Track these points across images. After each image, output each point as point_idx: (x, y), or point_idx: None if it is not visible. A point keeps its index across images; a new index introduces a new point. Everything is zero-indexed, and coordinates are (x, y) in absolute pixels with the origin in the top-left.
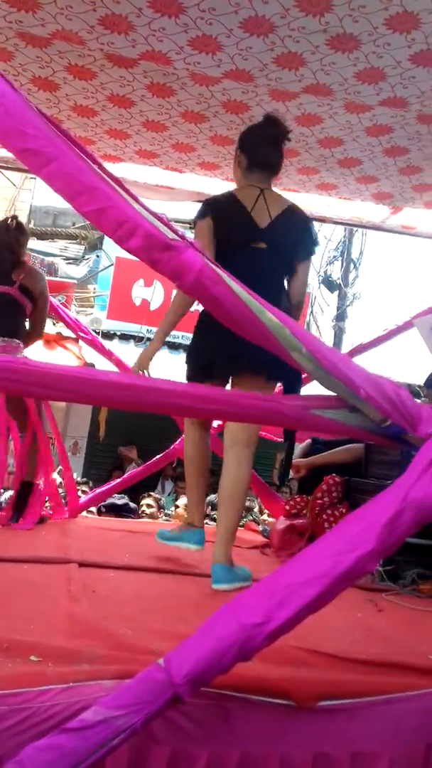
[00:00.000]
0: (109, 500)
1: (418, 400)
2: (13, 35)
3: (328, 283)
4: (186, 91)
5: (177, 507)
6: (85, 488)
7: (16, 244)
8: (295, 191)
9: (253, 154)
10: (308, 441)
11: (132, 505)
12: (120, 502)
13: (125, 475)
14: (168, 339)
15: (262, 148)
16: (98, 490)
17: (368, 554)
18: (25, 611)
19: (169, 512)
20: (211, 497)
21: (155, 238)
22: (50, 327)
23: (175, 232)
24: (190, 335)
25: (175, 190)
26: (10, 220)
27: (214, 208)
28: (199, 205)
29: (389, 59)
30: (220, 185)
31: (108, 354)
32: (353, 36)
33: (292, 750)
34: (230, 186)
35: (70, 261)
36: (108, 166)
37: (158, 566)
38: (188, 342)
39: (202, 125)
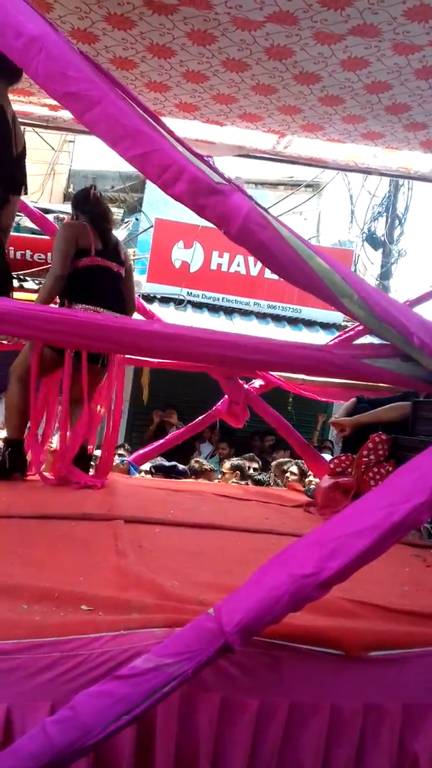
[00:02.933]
0: (159, 461)
1: None
2: None
3: (372, 240)
4: (227, 38)
5: (224, 473)
6: (122, 451)
7: (109, 212)
8: (339, 142)
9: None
10: (353, 399)
11: (181, 466)
12: (168, 463)
13: (165, 438)
14: (208, 301)
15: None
16: (138, 453)
17: (422, 505)
18: (73, 564)
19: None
20: (236, 461)
21: (201, 182)
22: None
23: (221, 175)
24: (233, 297)
25: (216, 145)
26: (92, 189)
27: None
28: (240, 159)
29: None
30: (262, 138)
31: (150, 316)
32: None
33: (343, 700)
34: (272, 139)
35: None
36: None
37: (202, 522)
38: (231, 305)
39: (244, 74)
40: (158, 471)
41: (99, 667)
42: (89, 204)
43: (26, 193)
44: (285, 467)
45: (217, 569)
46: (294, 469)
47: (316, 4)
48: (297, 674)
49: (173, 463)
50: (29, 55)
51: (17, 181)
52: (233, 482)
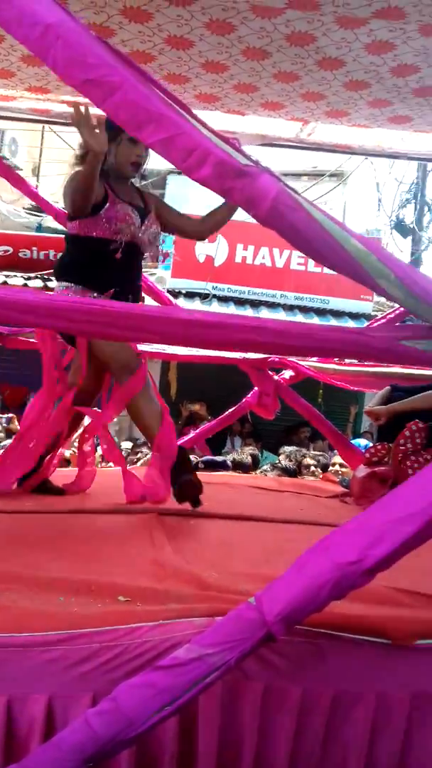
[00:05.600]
0: (207, 457)
1: None
2: None
3: (401, 228)
4: (247, 26)
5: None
6: (145, 449)
7: None
8: (365, 126)
9: None
10: (388, 388)
11: (227, 461)
12: (219, 459)
13: (196, 431)
14: (234, 295)
15: None
16: None
17: None
18: (109, 557)
19: None
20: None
21: (227, 164)
22: None
23: (247, 157)
24: (259, 290)
25: (238, 134)
26: None
27: None
28: (262, 149)
29: None
30: (285, 125)
31: None
32: None
33: (389, 689)
34: (296, 127)
35: None
36: None
37: (237, 513)
38: (257, 297)
39: (265, 62)
40: (208, 466)
41: (139, 657)
42: None
43: None
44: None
45: (255, 560)
46: (308, 460)
47: None
48: (341, 663)
49: (223, 459)
50: (46, 43)
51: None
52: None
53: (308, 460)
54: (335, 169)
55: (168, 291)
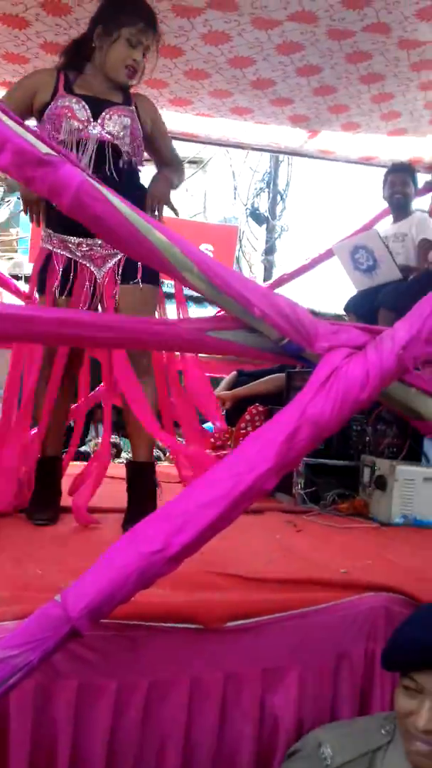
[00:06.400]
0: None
1: None
2: None
3: (256, 216)
4: (83, 8)
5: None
6: None
7: None
8: (209, 116)
9: None
10: (234, 373)
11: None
12: (81, 449)
13: None
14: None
15: None
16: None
17: (267, 472)
18: None
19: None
20: None
21: (27, 153)
22: None
23: (50, 146)
24: None
25: None
26: None
27: None
28: None
29: None
30: None
31: (25, 296)
32: None
33: (202, 672)
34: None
35: None
36: None
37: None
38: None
39: None
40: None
41: None
42: None
43: None
44: None
45: (88, 553)
46: None
47: None
48: (154, 652)
49: (85, 449)
50: None
51: None
52: None
53: None
54: (194, 155)
55: (26, 277)
